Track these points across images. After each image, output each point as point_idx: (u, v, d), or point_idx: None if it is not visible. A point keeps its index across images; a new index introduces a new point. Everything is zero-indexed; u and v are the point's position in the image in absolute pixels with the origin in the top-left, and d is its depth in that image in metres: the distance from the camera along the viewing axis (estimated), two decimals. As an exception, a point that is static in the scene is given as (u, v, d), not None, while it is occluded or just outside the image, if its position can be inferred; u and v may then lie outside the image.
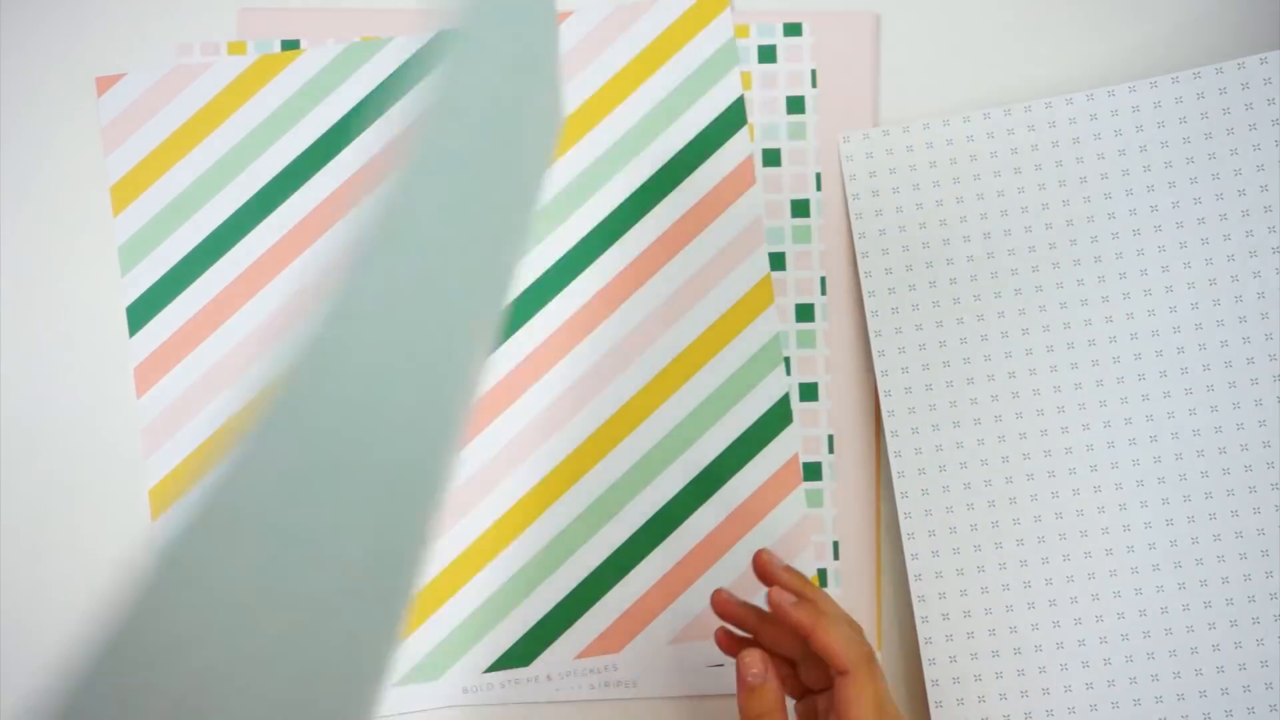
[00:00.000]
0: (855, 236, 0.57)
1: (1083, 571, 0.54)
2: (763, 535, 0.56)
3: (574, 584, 0.56)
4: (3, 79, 0.58)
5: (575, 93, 0.58)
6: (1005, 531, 0.54)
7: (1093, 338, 0.55)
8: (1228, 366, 0.54)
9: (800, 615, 0.45)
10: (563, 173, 0.57)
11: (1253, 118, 0.55)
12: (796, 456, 0.57)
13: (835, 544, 0.56)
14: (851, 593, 0.56)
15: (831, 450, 0.57)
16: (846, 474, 0.57)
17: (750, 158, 0.58)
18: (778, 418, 0.56)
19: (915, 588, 0.54)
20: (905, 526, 0.55)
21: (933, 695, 0.53)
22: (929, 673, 0.53)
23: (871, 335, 0.56)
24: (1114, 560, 0.54)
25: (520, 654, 0.55)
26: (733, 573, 0.55)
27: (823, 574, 0.56)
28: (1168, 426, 0.54)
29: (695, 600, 0.55)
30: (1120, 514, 0.54)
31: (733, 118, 0.58)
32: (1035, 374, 0.55)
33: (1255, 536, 0.53)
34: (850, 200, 0.57)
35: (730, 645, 0.49)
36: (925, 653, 0.54)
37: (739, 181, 0.58)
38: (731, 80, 0.58)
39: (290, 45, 0.58)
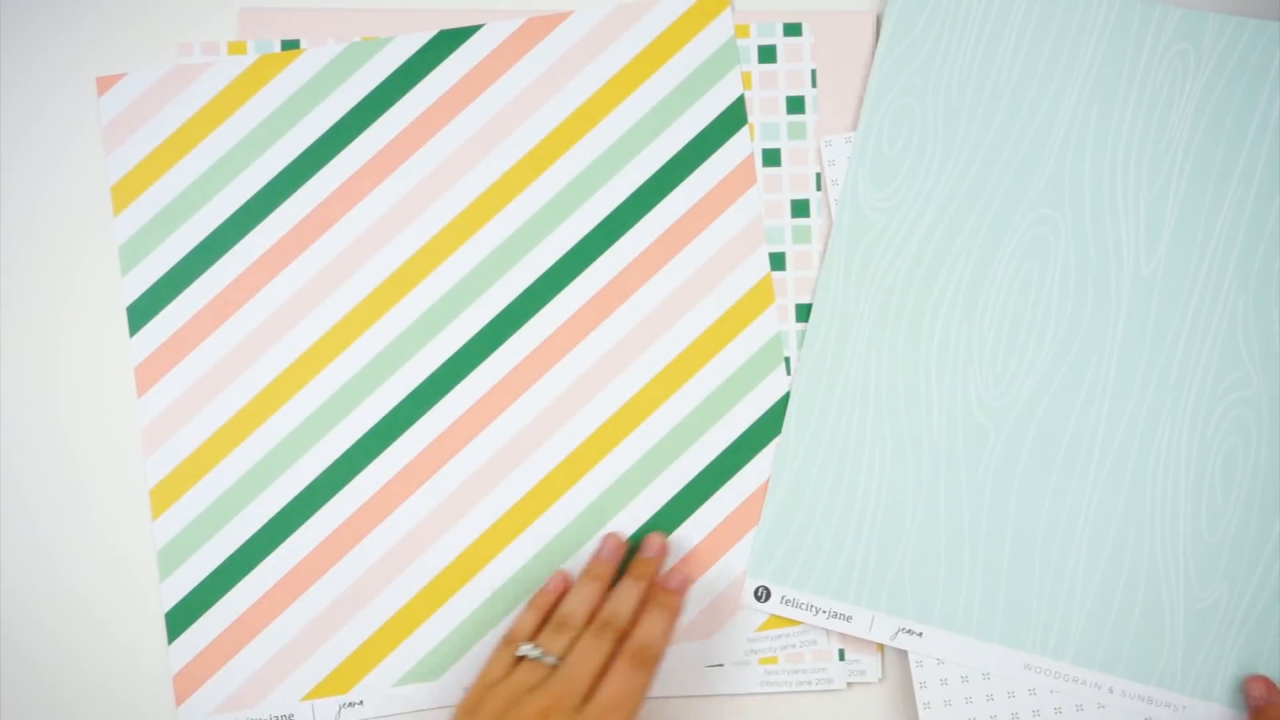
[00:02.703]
0: (854, 240, 0.57)
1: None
2: (760, 537, 0.56)
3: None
4: (3, 79, 0.58)
5: (576, 93, 0.58)
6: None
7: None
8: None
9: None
10: (563, 172, 0.57)
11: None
12: (794, 459, 0.57)
13: (832, 546, 0.57)
14: (848, 594, 0.56)
15: (829, 453, 0.57)
16: (843, 476, 0.57)
17: (750, 158, 0.58)
18: (778, 418, 0.57)
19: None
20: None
21: (920, 697, 0.54)
22: (916, 674, 0.54)
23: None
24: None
25: (518, 653, 0.56)
26: (732, 571, 0.56)
27: (819, 575, 0.56)
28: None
29: (696, 600, 0.56)
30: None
31: (733, 118, 0.58)
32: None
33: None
34: (832, 205, 0.57)
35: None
36: (912, 655, 0.54)
37: (739, 181, 0.57)
38: (731, 80, 0.58)
39: (290, 45, 0.58)
